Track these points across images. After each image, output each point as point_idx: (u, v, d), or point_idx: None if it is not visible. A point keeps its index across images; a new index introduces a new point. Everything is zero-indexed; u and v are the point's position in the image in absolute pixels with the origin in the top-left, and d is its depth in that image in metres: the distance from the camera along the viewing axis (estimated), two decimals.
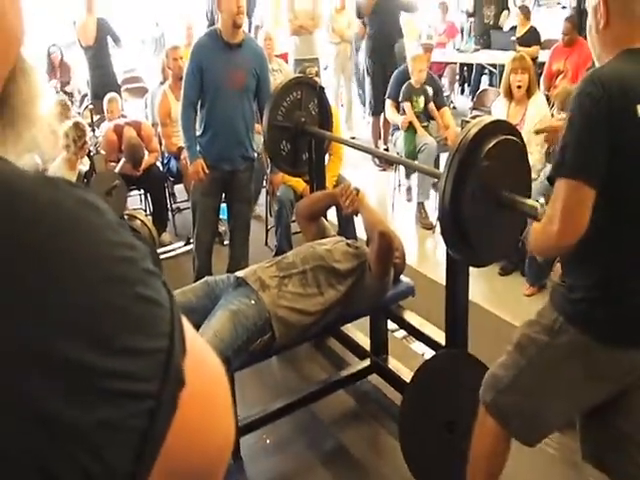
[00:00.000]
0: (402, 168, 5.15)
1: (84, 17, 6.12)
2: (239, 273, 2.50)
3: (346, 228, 3.69)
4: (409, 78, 4.95)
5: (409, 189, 5.09)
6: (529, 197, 1.86)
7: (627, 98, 1.49)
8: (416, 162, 4.31)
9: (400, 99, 4.86)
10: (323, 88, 3.19)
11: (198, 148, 3.37)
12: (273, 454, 2.59)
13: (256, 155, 4.52)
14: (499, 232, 1.92)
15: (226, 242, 3.96)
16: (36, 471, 0.34)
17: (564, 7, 7.80)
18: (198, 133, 3.39)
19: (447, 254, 2.19)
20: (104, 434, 0.36)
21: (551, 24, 7.44)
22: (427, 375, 2.25)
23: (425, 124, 4.83)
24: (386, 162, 5.85)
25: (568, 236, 1.51)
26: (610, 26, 1.57)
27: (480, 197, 1.82)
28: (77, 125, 4.10)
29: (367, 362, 2.86)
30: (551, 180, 1.58)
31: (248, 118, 3.39)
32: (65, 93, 6.08)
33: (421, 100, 4.84)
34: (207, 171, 3.34)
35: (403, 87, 4.84)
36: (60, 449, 0.34)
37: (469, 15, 7.41)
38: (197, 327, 2.23)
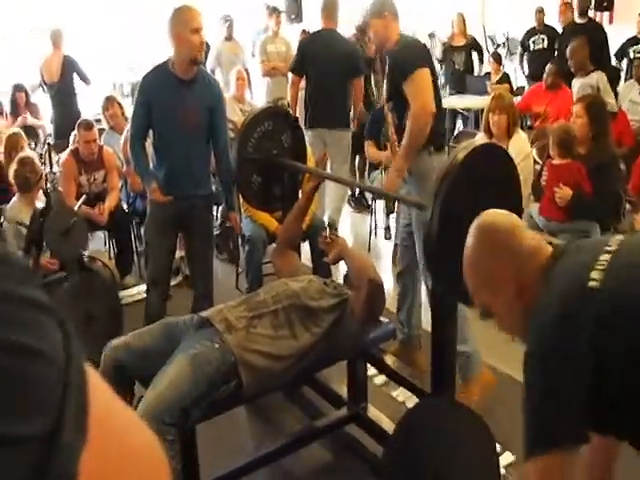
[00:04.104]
0: (380, 209, 5.06)
1: (50, 52, 5.97)
2: (203, 313, 2.29)
3: (320, 269, 3.50)
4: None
5: (387, 228, 4.99)
6: None
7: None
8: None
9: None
10: (297, 118, 3.04)
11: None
12: None
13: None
14: None
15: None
16: None
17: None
18: (152, 166, 3.20)
19: (432, 293, 2.01)
20: None
21: (520, 73, 7.59)
22: (411, 425, 2.02)
23: None
24: (361, 205, 5.77)
25: None
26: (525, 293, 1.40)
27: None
28: (22, 160, 3.86)
29: (344, 411, 2.64)
30: None
31: (204, 156, 3.21)
32: (31, 132, 5.83)
33: None
34: (164, 197, 3.11)
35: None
36: None
37: (439, 61, 7.45)
38: (154, 373, 2.00)
